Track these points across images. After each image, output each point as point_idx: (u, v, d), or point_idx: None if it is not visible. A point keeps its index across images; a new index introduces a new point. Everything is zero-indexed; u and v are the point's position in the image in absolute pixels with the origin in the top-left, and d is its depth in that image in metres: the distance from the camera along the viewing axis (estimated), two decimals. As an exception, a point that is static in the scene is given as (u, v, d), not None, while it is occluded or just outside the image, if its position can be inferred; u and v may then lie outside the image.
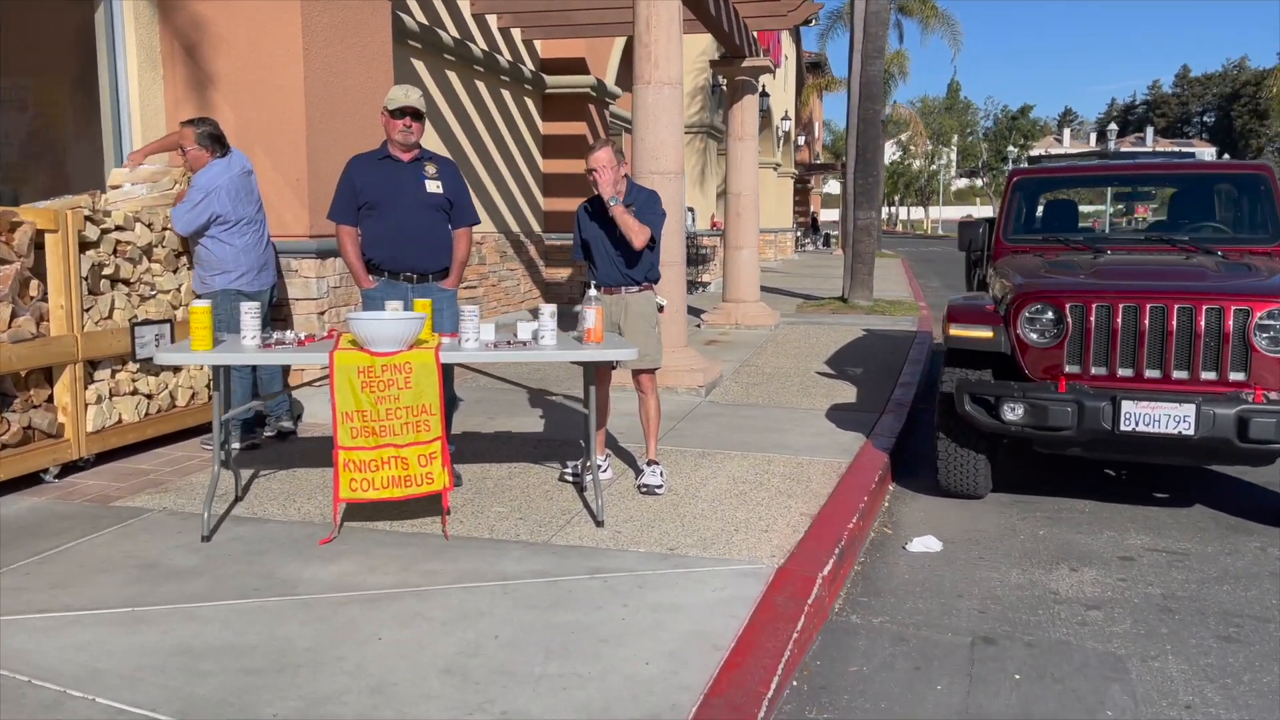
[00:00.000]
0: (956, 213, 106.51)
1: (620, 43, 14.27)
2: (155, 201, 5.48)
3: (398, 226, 4.56)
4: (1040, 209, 6.97)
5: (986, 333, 5.00)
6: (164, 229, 5.36)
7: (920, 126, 44.31)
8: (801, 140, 39.51)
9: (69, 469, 4.85)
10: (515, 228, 12.31)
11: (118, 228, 5.02)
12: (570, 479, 4.89)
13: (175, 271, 5.47)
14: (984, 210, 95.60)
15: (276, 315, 5.84)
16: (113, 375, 5.04)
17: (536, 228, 13.10)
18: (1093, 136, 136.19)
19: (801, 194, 41.94)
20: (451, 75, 10.46)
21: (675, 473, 5.11)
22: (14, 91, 7.16)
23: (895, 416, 6.77)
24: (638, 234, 4.59)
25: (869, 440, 5.99)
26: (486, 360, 4.03)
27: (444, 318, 4.67)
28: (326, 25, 6.32)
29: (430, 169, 4.66)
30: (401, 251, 4.59)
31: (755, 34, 11.78)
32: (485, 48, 11.11)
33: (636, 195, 4.70)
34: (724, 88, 22.63)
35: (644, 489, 4.69)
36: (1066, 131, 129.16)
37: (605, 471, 4.91)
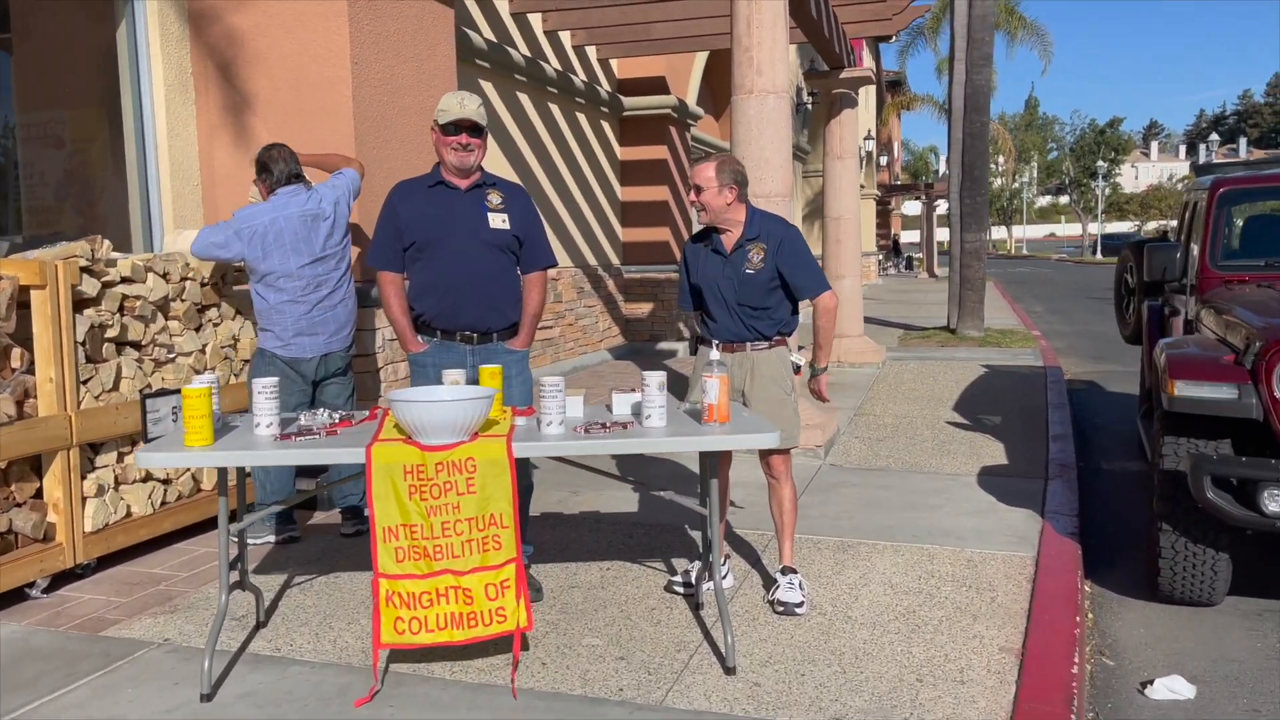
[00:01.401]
0: (1039, 231, 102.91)
1: (701, 60, 13.30)
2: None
3: (453, 272, 3.57)
4: (1242, 227, 5.71)
5: (1228, 393, 3.77)
6: (183, 278, 4.47)
7: (1009, 143, 42.45)
8: (883, 161, 38.14)
9: (63, 578, 3.95)
10: (593, 261, 11.36)
11: (124, 279, 4.13)
12: (680, 590, 3.80)
13: (199, 329, 4.56)
14: (1069, 229, 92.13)
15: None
16: (119, 460, 4.13)
17: (615, 260, 12.13)
18: (1182, 149, 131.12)
19: (882, 216, 40.48)
20: (523, 97, 9.57)
21: (813, 574, 3.98)
22: (48, 126, 6.44)
23: (1064, 484, 5.54)
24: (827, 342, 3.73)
25: (1046, 521, 4.78)
26: (577, 451, 2.98)
27: (513, 388, 3.65)
28: (379, 36, 5.43)
29: (494, 198, 3.66)
30: (458, 304, 3.59)
31: (850, 43, 10.69)
32: (559, 67, 10.22)
33: (763, 228, 3.63)
34: (809, 105, 21.69)
35: (780, 608, 3.58)
36: (1154, 145, 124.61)
37: (726, 578, 3.81)
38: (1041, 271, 40.51)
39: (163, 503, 4.34)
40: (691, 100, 12.96)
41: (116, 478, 4.11)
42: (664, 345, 12.16)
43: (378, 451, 2.84)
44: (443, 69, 6.03)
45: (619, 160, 12.21)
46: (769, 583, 3.83)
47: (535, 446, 2.93)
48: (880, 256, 37.91)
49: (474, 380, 3.42)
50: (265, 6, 5.31)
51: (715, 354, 3.12)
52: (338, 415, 3.28)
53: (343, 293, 4.41)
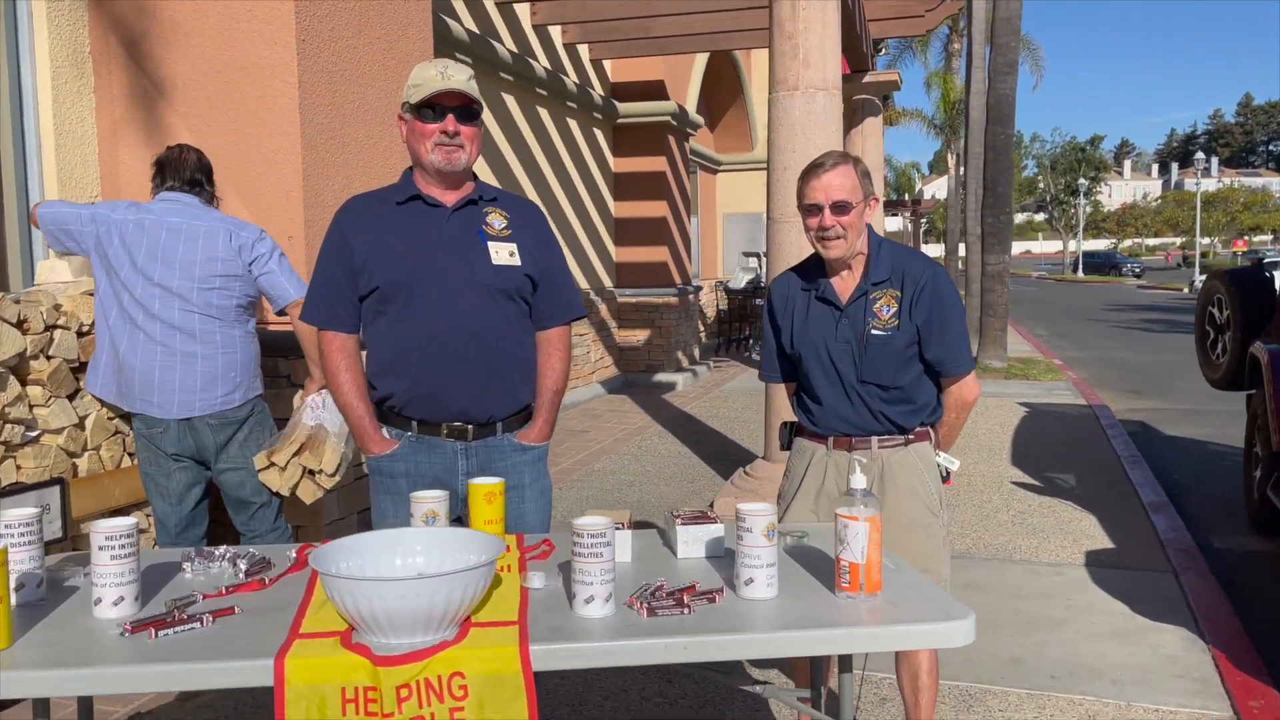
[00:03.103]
0: (1016, 249, 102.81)
1: (701, 63, 12.19)
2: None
3: (437, 332, 2.34)
4: None
5: None
6: (51, 327, 3.22)
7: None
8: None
9: None
10: (583, 284, 10.16)
11: (-47, 332, 2.88)
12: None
13: (74, 396, 3.31)
14: (1046, 246, 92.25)
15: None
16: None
17: (607, 283, 10.94)
18: (1154, 168, 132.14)
19: (868, 233, 39.56)
20: (508, 98, 8.38)
21: (940, 757, 2.80)
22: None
23: (1201, 580, 4.41)
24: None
25: (1214, 649, 3.62)
26: (640, 659, 1.77)
27: (526, 504, 2.45)
28: (335, 9, 4.23)
29: (496, 220, 2.44)
30: (445, 381, 2.36)
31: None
32: (548, 66, 9.04)
33: (896, 265, 2.42)
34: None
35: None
36: (1127, 164, 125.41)
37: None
38: (1027, 290, 39.73)
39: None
40: (692, 107, 11.84)
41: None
42: (662, 377, 10.98)
43: (295, 668, 1.62)
44: (416, 55, 4.83)
45: (612, 171, 11.04)
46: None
47: (573, 652, 1.71)
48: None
49: (467, 513, 2.21)
50: (185, -34, 4.10)
51: (859, 480, 1.92)
52: (240, 564, 2.05)
53: (215, 346, 3.16)
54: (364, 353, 2.44)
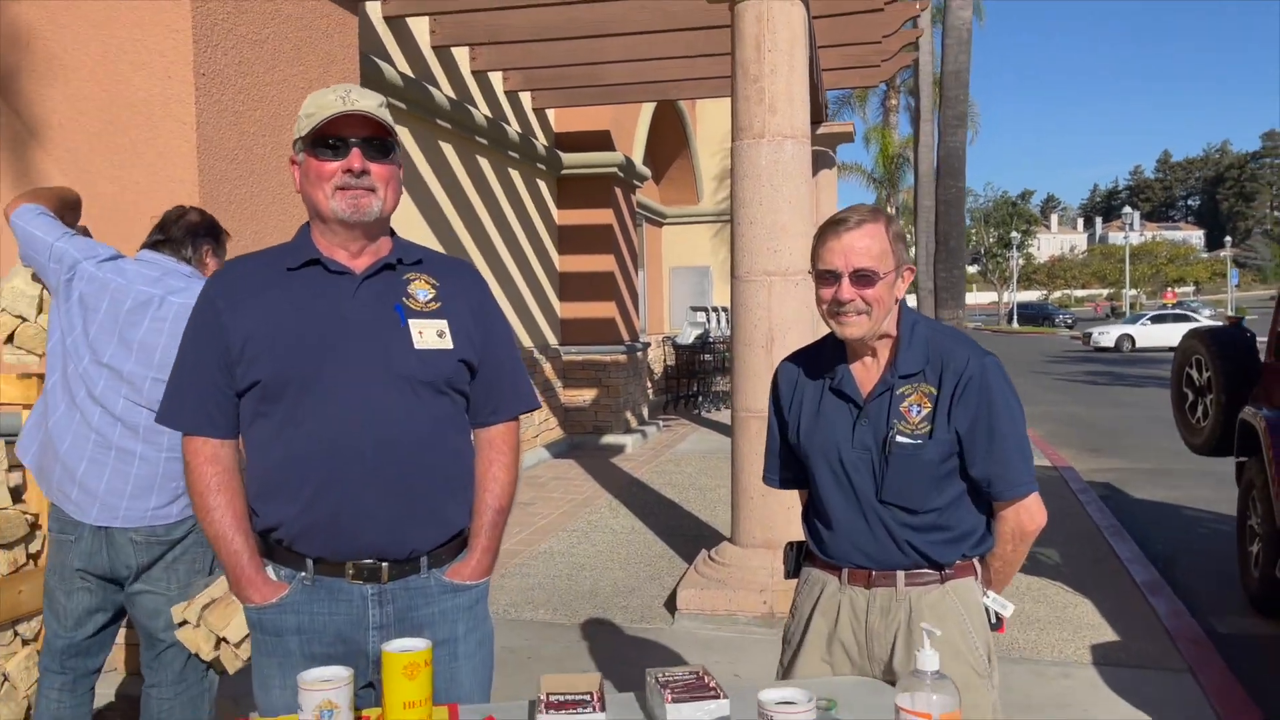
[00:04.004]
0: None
1: (648, 113, 11.84)
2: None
3: (341, 439, 1.77)
4: None
5: None
6: None
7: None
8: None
9: None
10: (527, 341, 9.61)
11: None
12: None
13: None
14: (978, 297, 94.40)
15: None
16: None
17: (552, 340, 10.40)
18: (1080, 222, 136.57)
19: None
20: (446, 146, 7.86)
21: None
22: None
23: (1218, 675, 3.97)
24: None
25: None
26: None
27: (460, 663, 1.87)
28: (241, 41, 3.68)
29: (420, 289, 1.89)
30: (350, 505, 1.77)
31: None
32: (489, 114, 8.56)
33: (933, 352, 1.91)
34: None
35: None
36: (1054, 218, 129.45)
37: None
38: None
39: None
40: (638, 158, 11.45)
41: None
42: (610, 439, 10.42)
43: None
44: (340, 95, 4.30)
45: (556, 224, 10.56)
46: None
47: None
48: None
49: (380, 678, 1.63)
50: (63, -12, 3.52)
51: (929, 660, 1.38)
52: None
53: (159, 448, 2.54)
54: (243, 461, 1.85)
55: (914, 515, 1.87)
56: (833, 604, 1.93)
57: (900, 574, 1.90)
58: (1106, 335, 33.38)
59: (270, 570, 1.81)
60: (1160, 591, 5.18)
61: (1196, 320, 34.62)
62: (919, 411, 1.86)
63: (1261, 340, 5.59)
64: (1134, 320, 35.28)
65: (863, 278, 1.81)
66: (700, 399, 14.21)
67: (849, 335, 1.87)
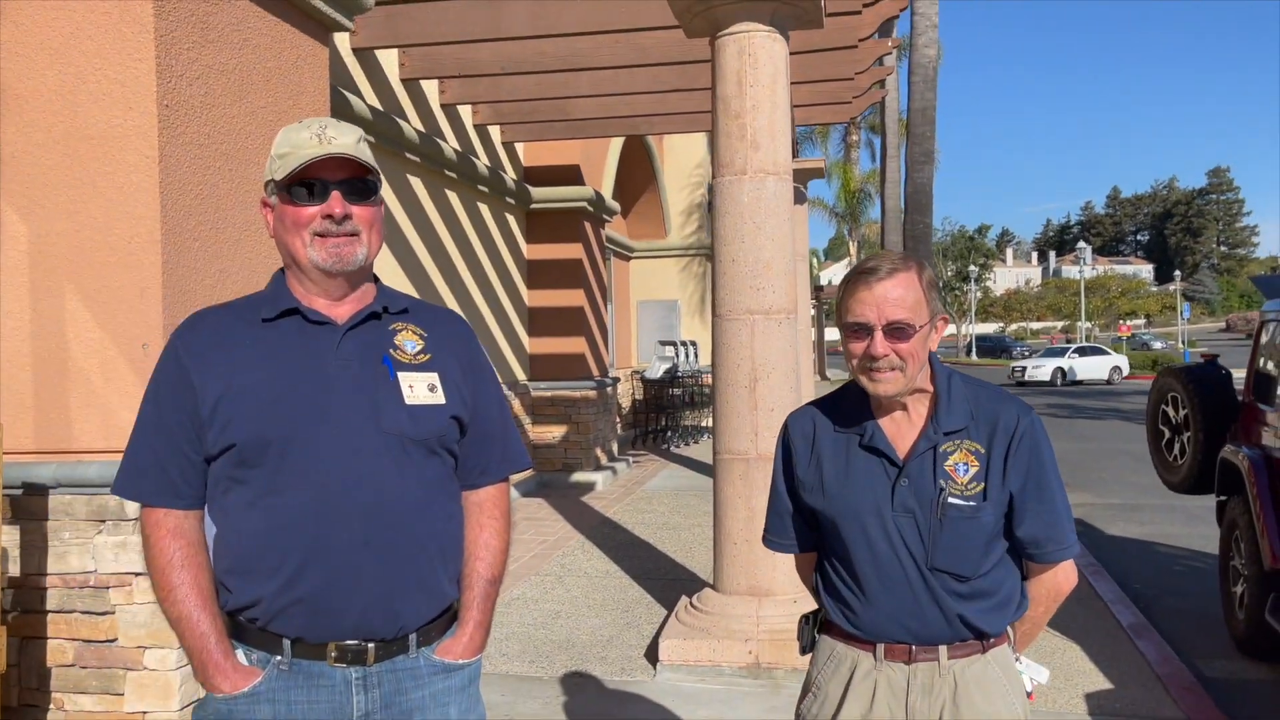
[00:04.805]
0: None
1: (616, 147, 11.79)
2: None
3: (323, 508, 1.59)
4: None
5: None
6: None
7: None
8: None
9: None
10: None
11: None
12: None
13: None
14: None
15: None
16: None
17: (521, 375, 10.23)
18: (1034, 255, 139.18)
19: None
20: (414, 180, 7.72)
21: None
22: None
23: (1219, 729, 3.87)
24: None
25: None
26: None
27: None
28: (207, 70, 3.52)
29: (407, 340, 1.74)
30: (334, 579, 1.60)
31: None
32: (458, 148, 8.43)
33: (977, 407, 1.79)
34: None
35: None
36: (1009, 251, 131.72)
37: None
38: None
39: None
40: (608, 192, 11.38)
41: None
42: (580, 476, 10.23)
43: None
44: (310, 128, 4.14)
45: (525, 259, 10.43)
46: None
47: None
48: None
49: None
50: (18, 12, 3.34)
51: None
52: None
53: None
54: (210, 536, 1.67)
55: (963, 582, 1.75)
56: (868, 683, 1.78)
57: (943, 648, 1.76)
58: (1041, 369, 32.95)
59: (241, 654, 1.63)
60: (1147, 635, 5.10)
61: (1106, 353, 34.79)
62: (967, 471, 1.74)
63: (1239, 376, 5.60)
64: (1059, 354, 34.82)
65: (897, 330, 1.70)
66: (669, 434, 14.08)
67: (882, 392, 1.75)
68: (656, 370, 13.83)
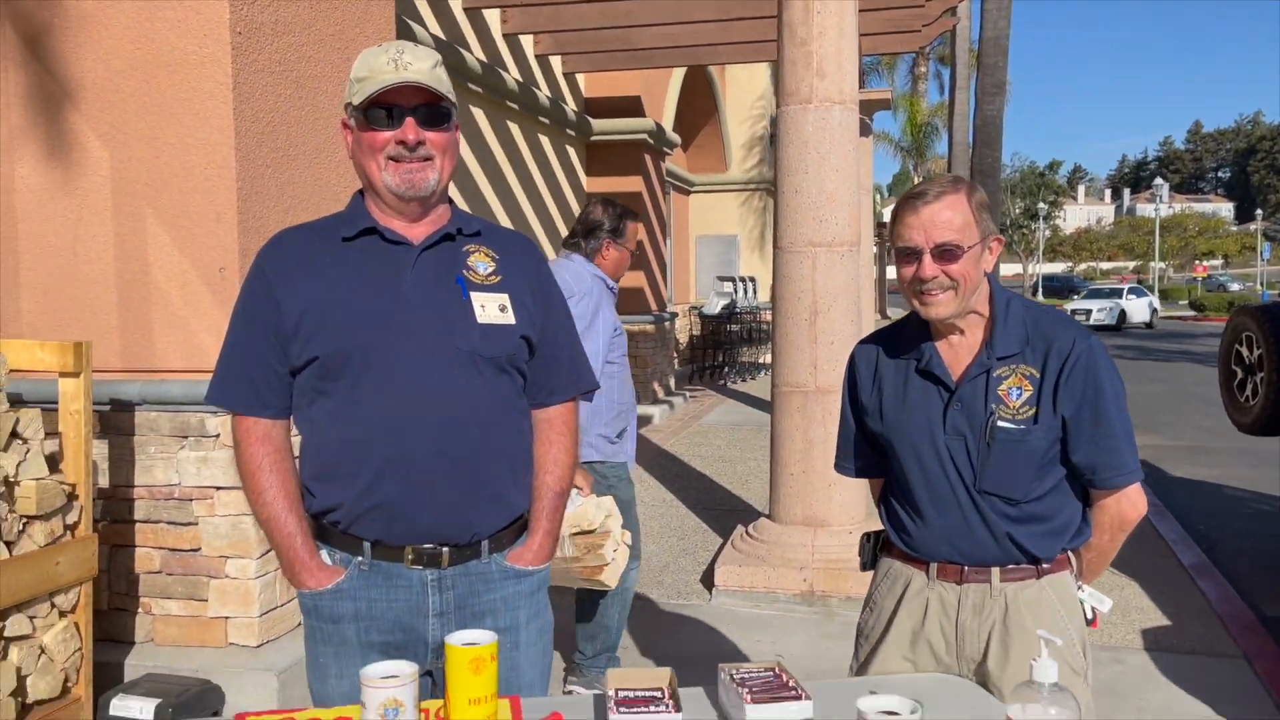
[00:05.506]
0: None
1: (678, 79, 11.64)
2: None
3: (401, 419, 1.67)
4: None
5: None
6: None
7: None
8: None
9: None
10: (555, 312, 9.50)
11: None
12: None
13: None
14: (1009, 268, 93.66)
15: None
16: None
17: (580, 310, 10.28)
18: (1107, 193, 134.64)
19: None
20: (477, 111, 7.73)
21: None
22: None
23: (1271, 659, 3.86)
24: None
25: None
26: None
27: (520, 653, 1.79)
28: (280, 2, 3.56)
29: (480, 261, 1.78)
30: (411, 487, 1.69)
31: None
32: (519, 78, 8.41)
33: (1033, 330, 1.78)
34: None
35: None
36: (1080, 189, 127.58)
37: None
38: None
39: None
40: (669, 125, 11.27)
41: None
42: (638, 410, 10.32)
43: None
44: (376, 56, 4.17)
45: (585, 191, 10.42)
46: None
47: None
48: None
49: (440, 666, 1.55)
50: (96, -58, 3.41)
51: (1048, 670, 1.28)
52: None
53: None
54: (296, 444, 1.76)
55: (1014, 505, 1.77)
56: (920, 600, 1.83)
57: (995, 569, 1.79)
58: (1105, 312, 30.84)
59: (325, 555, 1.73)
60: (1209, 576, 5.06)
61: (1146, 294, 32.88)
62: (1020, 395, 1.74)
63: (1318, 318, 5.42)
64: (1115, 294, 32.80)
65: (946, 252, 1.70)
66: (726, 369, 14.10)
67: (934, 315, 1.76)
68: (715, 306, 13.80)
